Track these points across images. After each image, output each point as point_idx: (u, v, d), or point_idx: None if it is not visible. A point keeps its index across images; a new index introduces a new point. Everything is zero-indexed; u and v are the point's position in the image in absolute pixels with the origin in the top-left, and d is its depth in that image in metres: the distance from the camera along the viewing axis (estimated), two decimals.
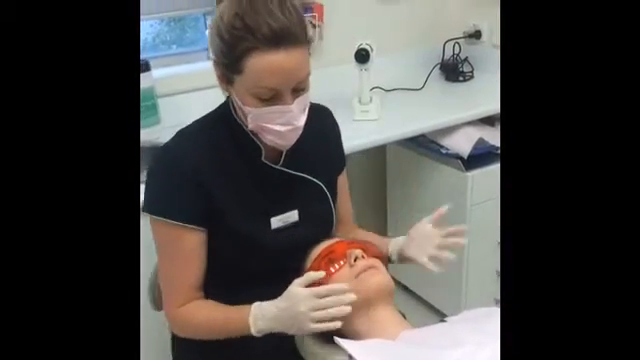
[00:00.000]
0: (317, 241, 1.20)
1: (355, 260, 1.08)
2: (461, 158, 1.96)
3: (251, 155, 1.12)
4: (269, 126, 1.04)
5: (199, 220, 1.09)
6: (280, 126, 1.04)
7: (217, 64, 1.05)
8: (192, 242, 1.10)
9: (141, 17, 1.93)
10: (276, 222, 1.14)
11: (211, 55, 1.07)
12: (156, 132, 1.76)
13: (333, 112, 2.02)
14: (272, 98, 1.02)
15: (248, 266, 1.14)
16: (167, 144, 1.12)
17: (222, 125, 1.12)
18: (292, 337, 1.14)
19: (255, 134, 1.10)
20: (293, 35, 0.98)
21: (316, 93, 2.07)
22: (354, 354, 0.90)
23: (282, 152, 1.14)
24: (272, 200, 1.14)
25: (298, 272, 1.11)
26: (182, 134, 1.13)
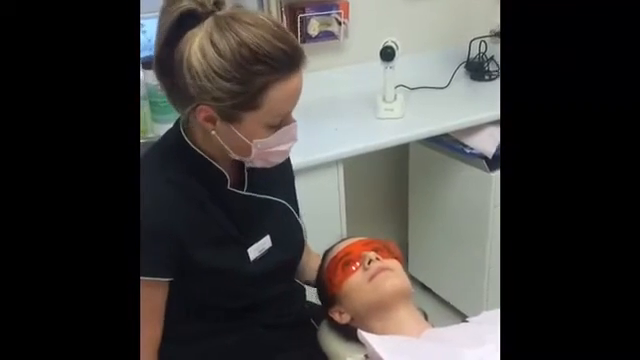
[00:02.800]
0: (293, 262, 1.18)
1: (369, 263, 1.08)
2: (485, 158, 1.95)
3: (215, 185, 1.03)
4: (275, 149, 0.99)
5: (167, 271, 0.99)
6: (285, 145, 1.00)
7: (208, 106, 0.92)
8: (158, 298, 1.00)
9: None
10: (253, 252, 1.07)
11: (191, 96, 0.91)
12: None
13: (357, 110, 2.04)
14: (281, 122, 0.97)
15: (229, 302, 1.07)
16: None
17: (179, 157, 1.01)
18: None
19: (220, 162, 1.02)
20: (303, 54, 0.93)
21: (340, 90, 2.10)
22: (375, 346, 0.91)
23: (244, 177, 1.07)
24: (245, 229, 1.07)
25: (279, 298, 1.11)
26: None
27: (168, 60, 0.92)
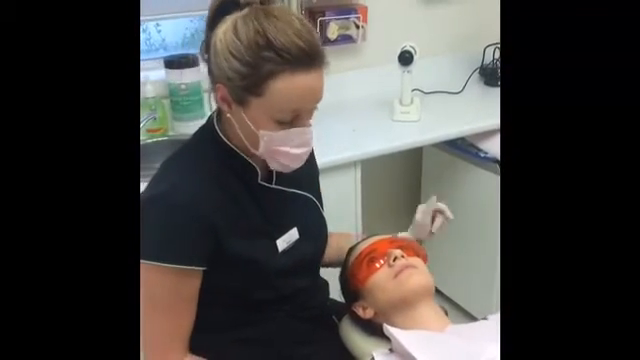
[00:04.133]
0: (318, 255, 1.21)
1: (394, 260, 1.10)
2: (498, 162, 1.97)
3: (247, 178, 1.06)
4: (284, 149, 0.99)
5: (202, 260, 1.02)
6: (296, 148, 1.00)
7: (224, 85, 0.96)
8: (192, 287, 1.04)
9: (181, 14, 1.99)
10: (282, 244, 1.10)
11: (214, 75, 0.98)
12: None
13: (374, 112, 2.06)
14: (292, 120, 0.97)
15: (256, 293, 1.09)
16: (163, 191, 0.99)
17: (213, 151, 1.05)
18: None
19: (251, 156, 1.05)
20: (321, 55, 0.95)
21: (357, 93, 2.13)
22: (401, 340, 0.93)
23: (272, 171, 1.09)
24: (273, 222, 1.10)
25: (304, 291, 1.14)
26: (176, 172, 1.03)
27: (208, 42, 0.98)
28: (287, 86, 0.93)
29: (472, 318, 2.19)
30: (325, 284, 1.26)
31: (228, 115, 1.00)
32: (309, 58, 0.93)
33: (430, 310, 1.09)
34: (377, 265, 1.12)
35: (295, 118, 0.97)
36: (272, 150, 0.99)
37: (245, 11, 0.94)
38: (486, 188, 2.04)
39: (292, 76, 0.92)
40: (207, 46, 1.00)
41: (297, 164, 1.04)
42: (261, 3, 0.96)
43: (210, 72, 1.01)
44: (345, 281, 1.19)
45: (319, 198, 1.22)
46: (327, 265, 1.28)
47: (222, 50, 0.93)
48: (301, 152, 1.01)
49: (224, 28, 0.94)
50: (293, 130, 0.98)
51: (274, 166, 1.04)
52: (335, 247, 1.27)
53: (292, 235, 1.12)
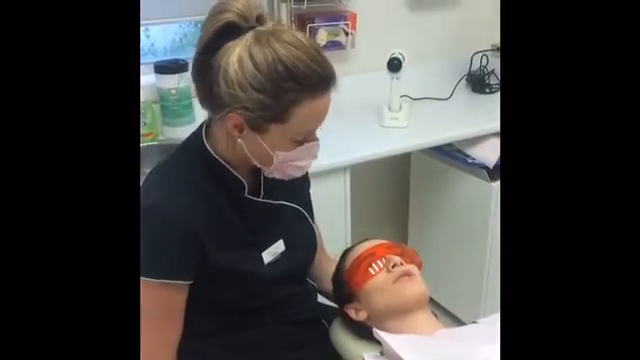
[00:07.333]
0: (307, 265, 1.22)
1: (393, 266, 1.12)
2: (486, 168, 1.99)
3: (233, 191, 1.07)
4: (294, 163, 1.02)
5: (189, 274, 1.03)
6: (305, 161, 1.03)
7: (237, 114, 0.95)
8: (179, 300, 1.04)
9: (169, 20, 1.99)
10: (267, 256, 1.11)
11: (224, 103, 0.94)
12: (190, 131, 1.80)
13: (363, 118, 2.08)
14: (304, 138, 1.00)
15: (244, 302, 1.10)
16: (153, 204, 0.99)
17: (199, 163, 1.05)
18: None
19: (238, 169, 1.06)
20: (335, 76, 0.97)
21: (347, 99, 2.13)
22: (391, 344, 0.94)
23: (260, 183, 1.10)
24: (259, 234, 1.11)
25: (293, 297, 1.15)
26: (163, 184, 1.04)
27: (205, 66, 0.95)
28: (309, 111, 0.95)
29: (460, 323, 2.20)
30: (313, 288, 1.27)
31: (239, 140, 0.99)
32: (324, 82, 0.95)
33: (425, 316, 1.11)
34: (375, 269, 1.13)
35: (307, 135, 1.00)
36: (283, 166, 1.02)
37: (251, 37, 0.92)
38: (474, 194, 2.06)
39: (314, 101, 0.94)
40: (199, 70, 0.98)
41: (301, 174, 1.06)
42: (257, 20, 0.95)
43: (210, 97, 0.97)
44: (340, 282, 1.19)
45: (309, 209, 1.22)
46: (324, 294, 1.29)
47: (239, 81, 0.91)
48: (307, 163, 1.05)
49: (236, 57, 0.91)
50: (305, 146, 1.01)
51: (277, 175, 1.05)
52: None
53: (278, 247, 1.13)
